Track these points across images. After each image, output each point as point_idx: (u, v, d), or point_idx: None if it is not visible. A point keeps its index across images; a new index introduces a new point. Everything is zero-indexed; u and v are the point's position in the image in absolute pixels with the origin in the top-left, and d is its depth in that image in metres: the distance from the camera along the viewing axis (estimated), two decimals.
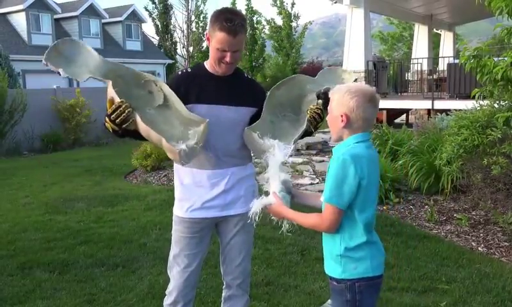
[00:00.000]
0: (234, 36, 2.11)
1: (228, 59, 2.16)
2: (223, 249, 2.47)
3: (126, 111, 1.99)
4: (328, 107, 1.93)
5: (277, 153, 2.11)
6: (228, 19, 2.09)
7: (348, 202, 1.81)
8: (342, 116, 1.85)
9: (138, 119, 2.02)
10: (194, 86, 2.24)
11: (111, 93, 2.06)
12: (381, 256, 1.95)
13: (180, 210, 2.35)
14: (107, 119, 2.02)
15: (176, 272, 2.37)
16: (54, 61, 2.13)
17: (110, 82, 2.09)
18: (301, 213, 1.97)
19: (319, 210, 1.95)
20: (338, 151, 1.88)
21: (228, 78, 2.29)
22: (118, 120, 1.99)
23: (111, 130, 2.05)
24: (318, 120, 2.33)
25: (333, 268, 1.92)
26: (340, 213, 1.83)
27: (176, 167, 2.36)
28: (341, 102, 1.85)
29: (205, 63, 2.32)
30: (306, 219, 1.93)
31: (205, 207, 2.31)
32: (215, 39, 2.14)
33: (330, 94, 1.92)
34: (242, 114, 2.31)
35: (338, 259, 1.89)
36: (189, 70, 2.38)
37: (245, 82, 2.40)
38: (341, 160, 1.80)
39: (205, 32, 2.33)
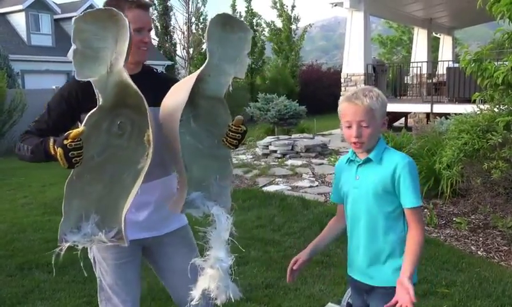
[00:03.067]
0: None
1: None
2: (162, 277, 2.18)
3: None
4: (366, 123, 1.75)
5: (220, 228, 1.78)
6: None
7: None
8: (384, 119, 1.82)
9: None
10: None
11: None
12: None
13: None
14: (56, 147, 1.64)
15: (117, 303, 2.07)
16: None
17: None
18: (408, 254, 1.74)
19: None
20: (387, 153, 1.81)
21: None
22: (75, 155, 1.66)
23: (52, 153, 1.68)
24: (238, 144, 1.90)
25: (391, 278, 1.77)
26: None
27: None
28: (384, 108, 1.79)
29: None
30: (416, 249, 1.73)
31: (134, 227, 1.98)
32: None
33: (364, 108, 1.75)
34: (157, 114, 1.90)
35: (398, 272, 1.73)
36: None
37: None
38: (411, 162, 1.77)
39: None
